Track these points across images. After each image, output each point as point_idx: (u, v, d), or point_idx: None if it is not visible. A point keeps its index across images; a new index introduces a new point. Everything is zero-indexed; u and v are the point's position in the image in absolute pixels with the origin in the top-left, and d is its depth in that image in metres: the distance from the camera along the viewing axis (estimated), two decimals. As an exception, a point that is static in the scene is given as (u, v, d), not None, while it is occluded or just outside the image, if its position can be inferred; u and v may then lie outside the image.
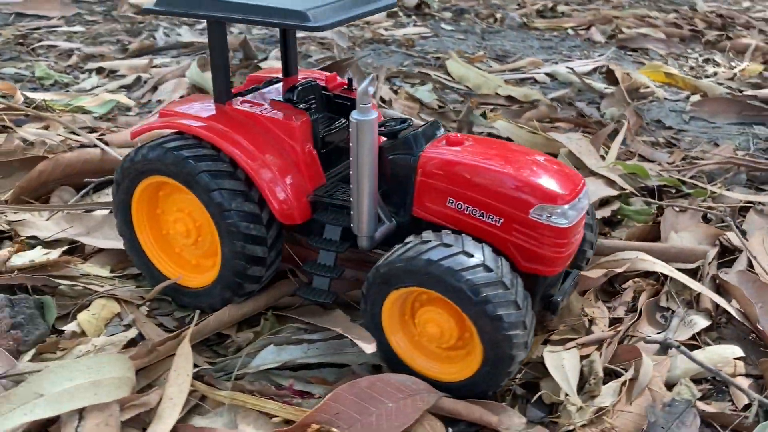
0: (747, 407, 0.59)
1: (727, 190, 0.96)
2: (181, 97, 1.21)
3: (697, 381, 0.62)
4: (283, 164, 0.65)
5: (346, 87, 0.74)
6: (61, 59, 1.47)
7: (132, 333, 0.66)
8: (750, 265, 0.76)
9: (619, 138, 1.09)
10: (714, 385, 0.63)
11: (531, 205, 0.58)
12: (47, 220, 0.81)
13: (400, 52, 1.65)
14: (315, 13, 0.58)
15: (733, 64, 1.68)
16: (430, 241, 0.57)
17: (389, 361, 0.62)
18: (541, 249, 0.58)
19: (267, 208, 0.64)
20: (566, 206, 0.58)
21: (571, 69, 1.48)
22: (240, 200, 0.63)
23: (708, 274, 0.75)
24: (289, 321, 0.68)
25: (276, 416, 0.56)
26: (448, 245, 0.56)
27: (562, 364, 0.62)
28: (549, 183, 0.59)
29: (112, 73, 1.39)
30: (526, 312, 0.56)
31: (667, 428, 0.56)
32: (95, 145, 0.95)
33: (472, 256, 0.56)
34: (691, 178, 1.00)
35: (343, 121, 0.71)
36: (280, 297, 0.71)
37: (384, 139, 0.65)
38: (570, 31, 1.92)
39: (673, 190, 0.98)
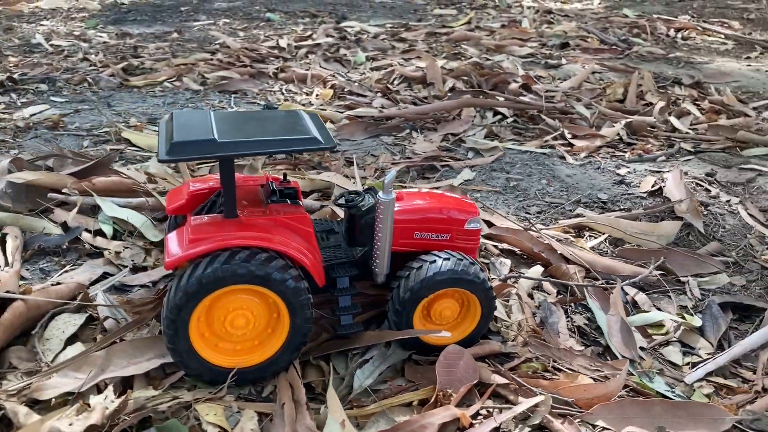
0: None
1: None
2: None
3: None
4: (306, 247, 0.87)
5: (283, 180, 0.97)
6: None
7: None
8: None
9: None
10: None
11: (465, 220, 0.96)
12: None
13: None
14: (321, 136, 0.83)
15: (305, 90, 2.20)
16: (438, 258, 0.90)
17: (421, 346, 0.93)
18: (472, 245, 0.97)
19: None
20: (479, 216, 0.98)
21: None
22: (301, 281, 0.84)
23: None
24: (340, 353, 0.91)
25: (413, 401, 0.83)
26: (450, 257, 0.91)
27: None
28: (465, 206, 0.98)
29: None
30: None
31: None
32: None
33: (464, 259, 0.92)
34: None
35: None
36: (320, 342, 0.93)
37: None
38: (168, 84, 2.17)
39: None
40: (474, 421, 0.80)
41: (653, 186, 1.50)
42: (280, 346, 0.85)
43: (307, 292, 0.83)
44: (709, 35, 3.51)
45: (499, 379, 0.87)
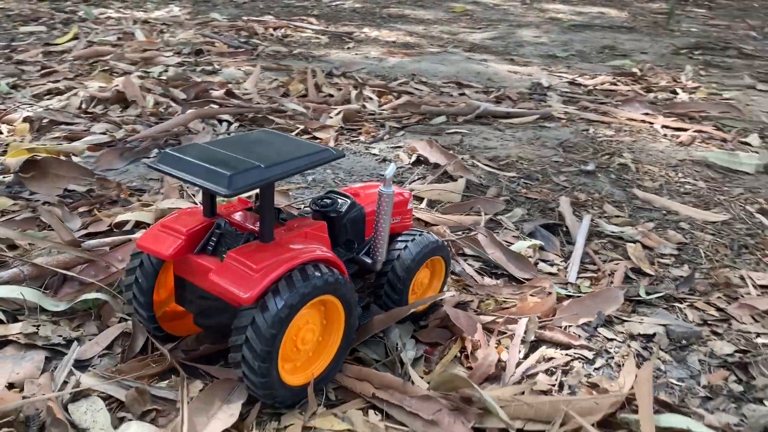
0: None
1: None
2: None
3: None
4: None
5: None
6: None
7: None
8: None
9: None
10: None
11: (407, 201, 1.11)
12: None
13: None
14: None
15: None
16: (414, 236, 1.04)
17: (414, 316, 1.06)
18: (410, 222, 1.13)
19: None
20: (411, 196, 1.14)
21: None
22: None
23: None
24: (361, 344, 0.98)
25: (456, 354, 0.97)
26: (419, 233, 1.05)
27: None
28: (399, 189, 1.13)
29: None
30: None
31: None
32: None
33: (426, 233, 1.07)
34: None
35: None
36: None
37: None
38: None
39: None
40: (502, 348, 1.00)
41: (411, 158, 1.80)
42: (338, 348, 0.91)
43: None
44: (302, 32, 3.98)
45: (486, 318, 1.07)
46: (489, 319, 1.07)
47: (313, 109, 2.20)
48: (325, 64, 3.06)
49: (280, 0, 5.24)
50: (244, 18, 4.19)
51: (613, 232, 1.45)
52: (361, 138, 2.00)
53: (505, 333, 1.05)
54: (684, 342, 1.07)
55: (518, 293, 1.18)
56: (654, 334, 1.08)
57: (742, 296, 1.21)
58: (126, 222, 1.29)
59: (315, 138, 1.97)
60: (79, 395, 0.84)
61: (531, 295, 1.16)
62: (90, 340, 0.97)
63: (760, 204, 1.65)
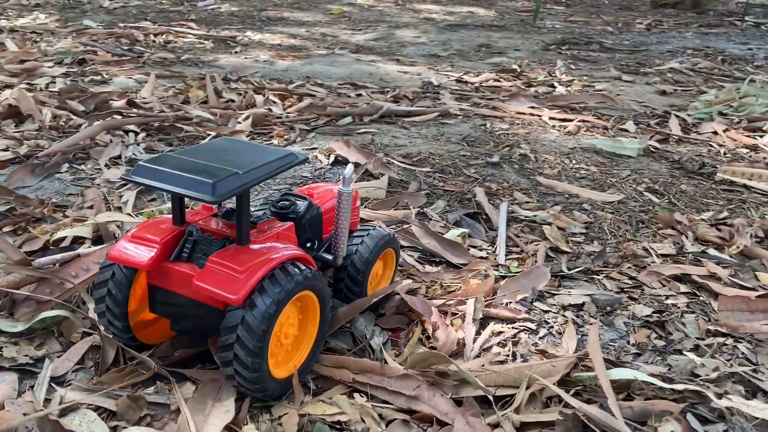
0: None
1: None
2: None
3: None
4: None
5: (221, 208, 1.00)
6: None
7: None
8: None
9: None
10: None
11: (356, 198, 1.17)
12: None
13: None
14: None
15: None
16: (369, 231, 1.11)
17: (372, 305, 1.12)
18: (358, 217, 1.20)
19: None
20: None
21: None
22: None
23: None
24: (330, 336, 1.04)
25: (419, 337, 1.04)
26: (372, 228, 1.12)
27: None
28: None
29: None
30: None
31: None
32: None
33: (377, 227, 1.14)
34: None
35: None
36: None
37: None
38: None
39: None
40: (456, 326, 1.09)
41: (330, 158, 1.87)
42: (314, 340, 0.96)
43: None
44: (184, 37, 3.92)
45: (437, 302, 1.16)
46: (440, 302, 1.16)
47: (220, 115, 2.20)
48: (217, 69, 3.04)
49: (154, 6, 5.11)
50: (121, 25, 4.07)
51: (527, 217, 1.58)
52: (275, 141, 2.04)
53: (456, 314, 1.14)
54: (608, 308, 1.21)
55: (458, 277, 1.27)
56: (583, 304, 1.21)
57: (649, 265, 1.37)
58: (63, 238, 1.27)
59: (229, 144, 1.98)
60: (67, 410, 0.85)
61: (471, 278, 1.26)
62: (58, 357, 0.97)
63: (647, 183, 1.85)
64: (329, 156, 1.89)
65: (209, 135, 2.01)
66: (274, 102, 2.45)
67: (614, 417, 0.83)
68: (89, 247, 1.24)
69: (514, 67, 3.36)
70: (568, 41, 4.31)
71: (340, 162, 1.86)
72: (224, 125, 2.14)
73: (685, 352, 1.08)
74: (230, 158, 0.90)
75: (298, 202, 1.07)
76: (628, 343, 1.11)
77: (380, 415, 0.88)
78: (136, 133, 2.02)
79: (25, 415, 0.80)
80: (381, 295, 1.10)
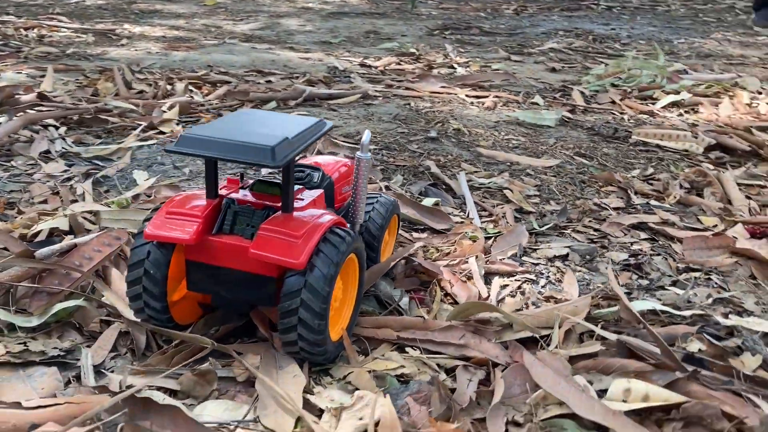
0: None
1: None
2: None
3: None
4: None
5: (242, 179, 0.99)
6: None
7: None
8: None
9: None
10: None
11: (353, 169, 1.19)
12: None
13: None
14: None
15: None
16: (378, 197, 1.13)
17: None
18: (353, 189, 1.22)
19: None
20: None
21: None
22: None
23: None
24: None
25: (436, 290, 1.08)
26: (379, 196, 1.14)
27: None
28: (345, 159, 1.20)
29: None
30: None
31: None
32: None
33: (383, 195, 1.17)
34: None
35: None
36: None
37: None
38: None
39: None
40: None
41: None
42: (355, 301, 0.98)
43: None
44: (57, 31, 3.69)
45: (442, 263, 1.21)
46: (444, 263, 1.21)
47: (143, 105, 2.11)
48: (109, 61, 2.90)
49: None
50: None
51: (483, 184, 1.66)
52: (208, 129, 1.99)
53: (463, 272, 1.19)
54: (588, 257, 1.31)
55: (446, 242, 1.32)
56: (567, 254, 1.30)
57: (607, 217, 1.49)
58: (39, 232, 1.20)
59: (162, 132, 1.91)
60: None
61: (460, 240, 1.31)
62: (87, 346, 0.92)
63: (573, 149, 1.99)
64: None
65: (140, 125, 1.93)
66: (191, 90, 2.37)
67: (649, 343, 0.91)
68: (71, 238, 1.17)
69: (413, 50, 3.45)
70: (449, 26, 4.47)
71: (287, 144, 1.85)
72: (149, 114, 2.06)
73: (667, 287, 1.20)
74: (270, 126, 0.89)
75: (313, 173, 1.08)
76: (619, 284, 1.21)
77: (438, 365, 0.91)
78: (56, 127, 1.90)
79: (113, 393, 0.76)
80: (399, 258, 1.13)
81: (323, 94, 2.39)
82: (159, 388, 0.83)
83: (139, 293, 0.90)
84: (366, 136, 1.04)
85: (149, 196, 1.45)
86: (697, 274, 1.24)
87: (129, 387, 0.81)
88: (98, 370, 0.88)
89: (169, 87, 2.38)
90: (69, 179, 1.54)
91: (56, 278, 1.00)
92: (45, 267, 1.00)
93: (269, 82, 2.72)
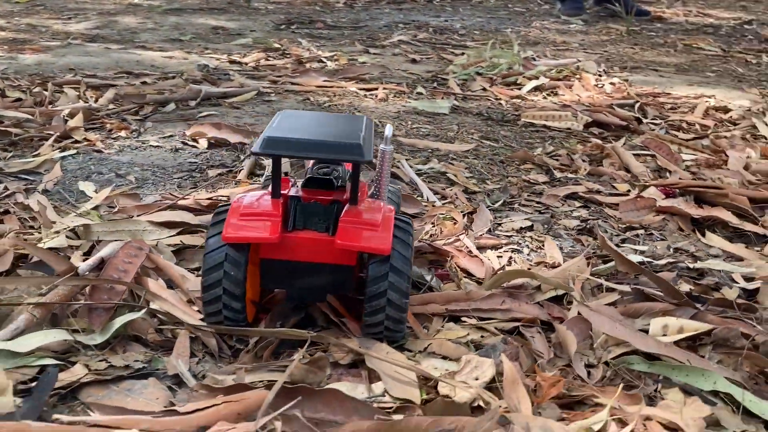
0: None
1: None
2: None
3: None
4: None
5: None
6: None
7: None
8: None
9: None
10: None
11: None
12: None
13: None
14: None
15: None
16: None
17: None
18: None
19: None
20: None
21: None
22: None
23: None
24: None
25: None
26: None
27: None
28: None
29: None
30: None
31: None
32: None
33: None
34: None
35: None
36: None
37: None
38: None
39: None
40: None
41: (203, 143, 1.84)
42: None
43: None
44: None
45: (438, 243, 1.32)
46: (441, 242, 1.31)
47: (40, 114, 1.98)
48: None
49: None
50: None
51: (420, 170, 1.78)
52: (122, 134, 1.92)
53: (461, 249, 1.31)
54: (547, 226, 1.48)
55: (424, 224, 1.43)
56: (532, 225, 1.46)
57: (543, 191, 1.67)
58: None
59: (77, 141, 1.82)
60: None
61: (444, 221, 1.43)
62: (163, 356, 0.92)
63: (477, 132, 2.17)
64: (197, 140, 1.86)
65: (50, 134, 1.81)
66: (81, 95, 2.25)
67: (659, 285, 1.09)
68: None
69: (276, 46, 3.47)
70: (294, 21, 4.52)
71: (219, 145, 1.84)
72: (47, 124, 1.93)
73: (621, 245, 1.40)
74: (337, 125, 0.95)
75: (336, 169, 1.13)
76: (584, 246, 1.39)
77: (495, 328, 1.02)
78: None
79: (267, 387, 0.78)
80: (417, 240, 1.22)
81: (218, 93, 2.37)
82: (269, 382, 0.86)
83: (218, 296, 0.92)
84: (388, 129, 1.12)
85: (112, 207, 1.40)
86: (640, 232, 1.46)
87: (247, 384, 0.83)
88: (193, 374, 0.89)
89: (69, 92, 2.23)
90: (8, 196, 1.44)
91: (103, 293, 0.97)
92: (92, 283, 0.97)
93: (144, 83, 2.63)
